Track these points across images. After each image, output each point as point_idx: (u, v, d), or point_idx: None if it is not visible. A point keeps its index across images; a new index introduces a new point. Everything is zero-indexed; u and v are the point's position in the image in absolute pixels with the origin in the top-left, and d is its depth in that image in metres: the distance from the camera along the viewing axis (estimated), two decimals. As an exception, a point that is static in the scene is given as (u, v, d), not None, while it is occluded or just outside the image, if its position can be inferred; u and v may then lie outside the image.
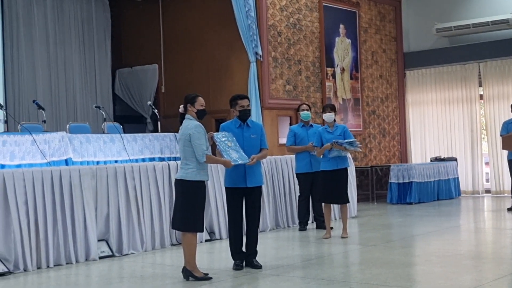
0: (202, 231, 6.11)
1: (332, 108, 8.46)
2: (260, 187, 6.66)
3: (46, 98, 12.33)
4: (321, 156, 8.34)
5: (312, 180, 9.13)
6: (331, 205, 8.64)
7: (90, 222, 7.31)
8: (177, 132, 12.06)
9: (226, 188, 6.65)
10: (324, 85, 12.98)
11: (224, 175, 6.69)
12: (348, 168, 8.48)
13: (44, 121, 9.92)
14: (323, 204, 8.63)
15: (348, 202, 8.58)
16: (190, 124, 6.07)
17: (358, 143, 8.32)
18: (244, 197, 6.58)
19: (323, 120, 8.99)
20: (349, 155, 10.99)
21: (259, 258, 6.66)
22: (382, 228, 9.52)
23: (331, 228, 8.91)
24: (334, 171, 8.26)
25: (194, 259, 6.03)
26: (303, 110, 9.36)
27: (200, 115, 6.14)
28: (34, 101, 10.57)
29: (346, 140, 8.17)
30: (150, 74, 13.53)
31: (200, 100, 6.16)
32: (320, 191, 8.54)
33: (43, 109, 10.04)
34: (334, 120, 8.43)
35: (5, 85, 12.02)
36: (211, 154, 6.14)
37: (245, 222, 6.68)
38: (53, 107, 12.55)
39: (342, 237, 8.34)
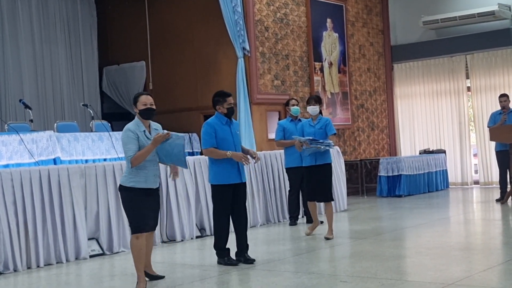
0: (146, 231, 5.59)
1: (317, 101, 8.01)
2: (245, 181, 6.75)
3: (33, 97, 12.26)
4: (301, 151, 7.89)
5: (302, 174, 9.13)
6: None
7: (79, 221, 7.29)
8: (167, 129, 12.08)
9: (219, 186, 6.50)
10: (312, 80, 12.99)
11: (215, 173, 6.52)
12: (331, 164, 7.96)
13: (31, 120, 9.87)
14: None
15: (331, 200, 8.04)
16: (125, 127, 5.62)
17: (330, 142, 7.75)
18: (233, 192, 6.56)
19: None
20: (338, 149, 11.05)
21: (250, 253, 6.69)
22: (372, 221, 9.55)
23: (321, 222, 8.92)
24: (312, 167, 7.85)
25: (140, 264, 5.62)
26: (293, 105, 9.33)
27: (144, 115, 5.62)
28: (20, 100, 10.52)
29: (306, 138, 7.69)
30: (137, 71, 13.48)
31: (142, 99, 5.64)
32: (304, 188, 8.32)
33: (30, 108, 9.98)
34: (320, 113, 8.06)
35: (-9, 85, 11.96)
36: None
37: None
38: (40, 106, 12.48)
39: (326, 238, 7.83)
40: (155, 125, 5.79)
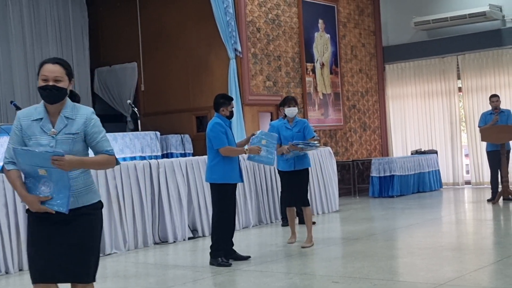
0: (35, 281, 3.56)
1: (296, 102, 7.68)
2: None
3: (24, 98, 12.19)
4: (281, 154, 7.56)
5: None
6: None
7: (71, 223, 7.25)
8: (158, 130, 12.05)
9: (226, 185, 6.58)
10: (304, 81, 13.00)
11: (223, 172, 6.55)
12: (309, 169, 7.67)
13: (23, 122, 9.80)
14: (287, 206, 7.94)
15: (308, 205, 7.68)
16: None
17: (315, 142, 7.51)
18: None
19: (284, 113, 7.89)
20: (330, 150, 11.06)
21: (243, 254, 6.77)
22: (364, 222, 9.57)
23: (314, 223, 8.92)
24: (291, 173, 7.55)
25: None
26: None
27: (42, 96, 3.49)
28: (11, 102, 10.46)
29: (301, 142, 7.41)
30: (129, 72, 13.45)
31: (43, 70, 3.47)
32: (281, 192, 8.14)
33: (21, 110, 9.92)
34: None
35: (-18, 86, 11.89)
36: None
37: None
38: (32, 108, 12.41)
39: (303, 247, 7.40)
40: (76, 110, 3.52)
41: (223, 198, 6.60)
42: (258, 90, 12.01)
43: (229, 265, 6.47)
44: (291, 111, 7.58)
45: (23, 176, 3.48)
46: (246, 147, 6.94)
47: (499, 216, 9.71)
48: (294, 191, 7.59)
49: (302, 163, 7.54)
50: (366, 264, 6.14)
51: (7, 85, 12.12)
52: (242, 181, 6.79)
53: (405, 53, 15.03)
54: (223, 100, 6.72)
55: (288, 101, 7.62)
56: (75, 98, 3.71)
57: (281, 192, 9.43)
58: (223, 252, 6.59)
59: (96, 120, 3.59)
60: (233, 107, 6.80)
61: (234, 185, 6.71)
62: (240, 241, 7.89)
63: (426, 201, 12.16)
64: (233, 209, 6.74)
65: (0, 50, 12.06)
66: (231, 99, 6.85)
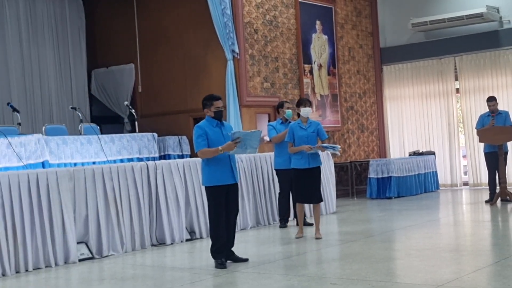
0: None
1: (311, 103, 8.22)
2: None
3: (20, 100, 12.18)
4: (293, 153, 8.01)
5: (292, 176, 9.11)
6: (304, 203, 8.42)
7: (68, 225, 7.24)
8: (155, 131, 12.04)
9: (212, 187, 6.55)
10: (301, 82, 13.00)
11: (208, 174, 6.56)
12: (321, 167, 8.15)
13: (19, 124, 9.80)
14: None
15: (322, 201, 8.26)
16: None
17: (339, 147, 8.04)
18: (227, 193, 6.60)
19: (298, 114, 8.32)
20: (327, 151, 11.06)
21: (240, 255, 6.73)
22: (362, 223, 9.56)
23: (311, 224, 8.93)
24: (306, 170, 7.95)
25: None
26: (288, 108, 9.34)
27: None
28: (8, 103, 10.45)
29: (330, 145, 7.97)
30: (126, 73, 13.42)
31: None
32: (293, 190, 8.33)
33: (17, 111, 9.92)
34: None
35: (-22, 88, 11.85)
36: None
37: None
38: (28, 109, 12.40)
39: (316, 238, 8.00)
40: None
41: (213, 199, 6.57)
42: (256, 92, 12.00)
43: (224, 267, 6.45)
44: (306, 111, 8.01)
45: None
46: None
47: (497, 218, 9.70)
48: (309, 188, 7.95)
49: (316, 161, 8.00)
50: (364, 266, 6.13)
51: (4, 86, 12.10)
52: (233, 181, 6.61)
53: (403, 55, 15.04)
54: (205, 102, 6.69)
55: (304, 101, 8.10)
56: None
57: (279, 193, 9.46)
58: (222, 254, 6.57)
59: None
60: (218, 106, 6.60)
61: (228, 186, 6.58)
62: (238, 243, 7.86)
63: (424, 202, 12.16)
64: (229, 211, 6.64)
65: (-4, 52, 12.03)
66: (214, 98, 6.65)
